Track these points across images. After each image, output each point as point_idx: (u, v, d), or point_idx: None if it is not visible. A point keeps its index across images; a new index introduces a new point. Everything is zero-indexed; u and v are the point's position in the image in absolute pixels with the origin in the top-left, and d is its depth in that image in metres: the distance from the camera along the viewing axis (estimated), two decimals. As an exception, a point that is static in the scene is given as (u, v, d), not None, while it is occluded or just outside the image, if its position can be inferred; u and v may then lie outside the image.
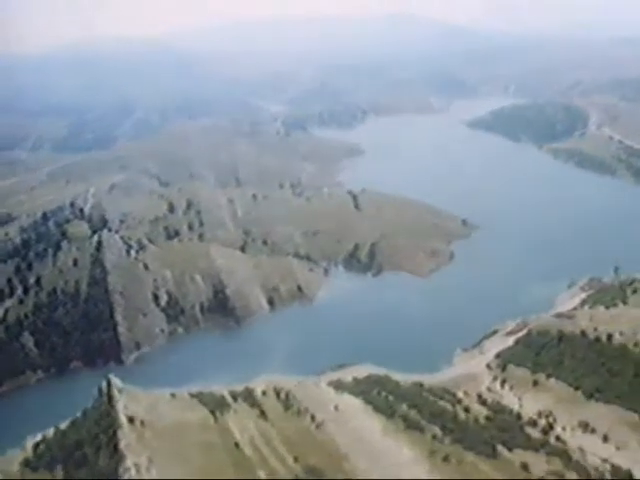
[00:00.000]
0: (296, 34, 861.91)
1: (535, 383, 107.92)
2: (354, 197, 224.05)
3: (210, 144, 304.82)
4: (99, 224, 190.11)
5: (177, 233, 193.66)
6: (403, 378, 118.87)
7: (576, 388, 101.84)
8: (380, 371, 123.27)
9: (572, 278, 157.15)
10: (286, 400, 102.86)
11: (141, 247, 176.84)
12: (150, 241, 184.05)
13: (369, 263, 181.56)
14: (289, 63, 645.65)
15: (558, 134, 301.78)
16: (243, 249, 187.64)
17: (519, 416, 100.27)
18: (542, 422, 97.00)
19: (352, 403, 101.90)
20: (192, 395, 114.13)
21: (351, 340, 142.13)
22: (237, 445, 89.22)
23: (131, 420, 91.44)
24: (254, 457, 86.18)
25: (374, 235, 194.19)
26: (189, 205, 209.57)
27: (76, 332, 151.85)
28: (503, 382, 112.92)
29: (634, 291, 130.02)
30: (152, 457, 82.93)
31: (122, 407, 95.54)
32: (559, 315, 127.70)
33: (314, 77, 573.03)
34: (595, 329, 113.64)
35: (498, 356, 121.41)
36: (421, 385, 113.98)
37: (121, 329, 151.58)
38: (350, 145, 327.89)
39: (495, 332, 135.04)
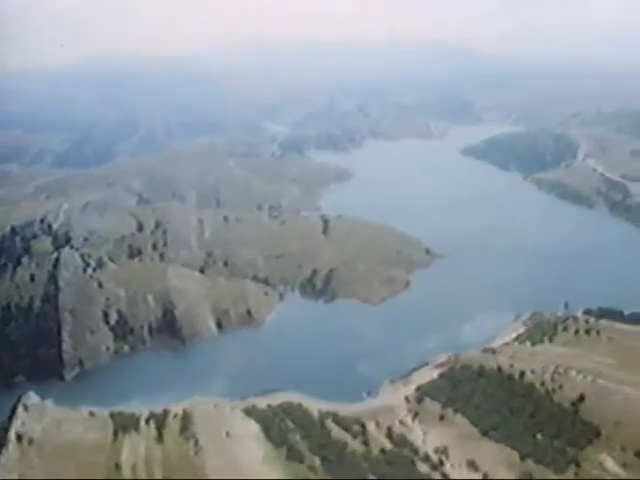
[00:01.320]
0: (314, 56, 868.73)
1: (441, 418, 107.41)
2: (325, 222, 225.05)
3: (199, 164, 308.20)
4: (63, 241, 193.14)
5: (140, 252, 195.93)
6: (320, 407, 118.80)
7: (476, 425, 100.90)
8: (301, 399, 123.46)
9: (518, 311, 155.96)
10: (185, 423, 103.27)
11: (99, 265, 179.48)
12: (111, 259, 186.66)
13: (324, 289, 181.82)
14: (302, 84, 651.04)
15: (547, 164, 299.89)
16: (202, 270, 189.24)
17: (416, 451, 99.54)
18: (435, 458, 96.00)
19: (249, 430, 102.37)
20: (111, 414, 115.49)
21: (287, 366, 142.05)
22: (117, 466, 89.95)
23: (19, 438, 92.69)
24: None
25: (335, 261, 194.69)
26: (157, 224, 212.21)
27: (24, 347, 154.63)
28: (415, 415, 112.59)
29: (564, 328, 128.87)
30: (23, 475, 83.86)
31: (18, 424, 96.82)
32: (486, 350, 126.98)
33: (323, 99, 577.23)
34: (511, 366, 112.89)
35: (418, 389, 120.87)
36: (334, 415, 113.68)
37: (65, 346, 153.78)
38: (340, 169, 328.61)
39: (426, 364, 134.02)
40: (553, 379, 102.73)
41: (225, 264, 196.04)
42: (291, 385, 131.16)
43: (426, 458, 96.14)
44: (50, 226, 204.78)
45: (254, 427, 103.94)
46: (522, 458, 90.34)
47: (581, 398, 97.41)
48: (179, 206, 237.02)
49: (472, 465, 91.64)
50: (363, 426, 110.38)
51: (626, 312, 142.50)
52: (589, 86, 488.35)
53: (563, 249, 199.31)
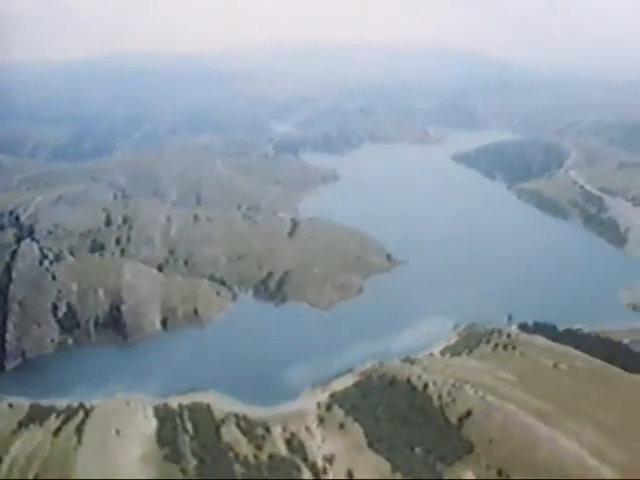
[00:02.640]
0: (325, 58, 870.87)
1: (341, 426, 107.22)
2: (295, 224, 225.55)
3: (186, 163, 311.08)
4: (27, 233, 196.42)
5: (102, 247, 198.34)
6: (234, 409, 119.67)
7: (367, 435, 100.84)
8: (219, 399, 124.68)
9: (463, 320, 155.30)
10: (84, 419, 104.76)
11: (57, 258, 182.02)
12: (71, 253, 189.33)
13: (276, 291, 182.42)
14: (312, 86, 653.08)
15: (533, 174, 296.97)
16: (161, 268, 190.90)
17: (306, 458, 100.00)
18: (321, 466, 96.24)
19: (144, 429, 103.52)
20: (32, 406, 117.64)
21: (220, 366, 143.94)
22: None
23: None
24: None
25: (293, 264, 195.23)
26: (125, 220, 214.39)
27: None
28: (320, 422, 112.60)
29: (487, 341, 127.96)
30: None
31: None
32: (406, 360, 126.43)
33: (330, 101, 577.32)
34: (419, 377, 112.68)
35: (332, 396, 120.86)
36: (242, 417, 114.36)
37: (9, 336, 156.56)
38: (328, 171, 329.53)
39: (350, 371, 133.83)
40: (449, 393, 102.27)
41: (186, 262, 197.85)
42: (218, 385, 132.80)
43: (312, 466, 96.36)
44: (18, 218, 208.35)
45: (151, 426, 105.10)
46: (393, 470, 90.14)
47: (468, 413, 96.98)
48: (152, 203, 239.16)
49: (349, 475, 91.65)
50: (267, 430, 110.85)
51: (562, 327, 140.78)
52: (594, 96, 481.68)
53: (526, 260, 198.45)
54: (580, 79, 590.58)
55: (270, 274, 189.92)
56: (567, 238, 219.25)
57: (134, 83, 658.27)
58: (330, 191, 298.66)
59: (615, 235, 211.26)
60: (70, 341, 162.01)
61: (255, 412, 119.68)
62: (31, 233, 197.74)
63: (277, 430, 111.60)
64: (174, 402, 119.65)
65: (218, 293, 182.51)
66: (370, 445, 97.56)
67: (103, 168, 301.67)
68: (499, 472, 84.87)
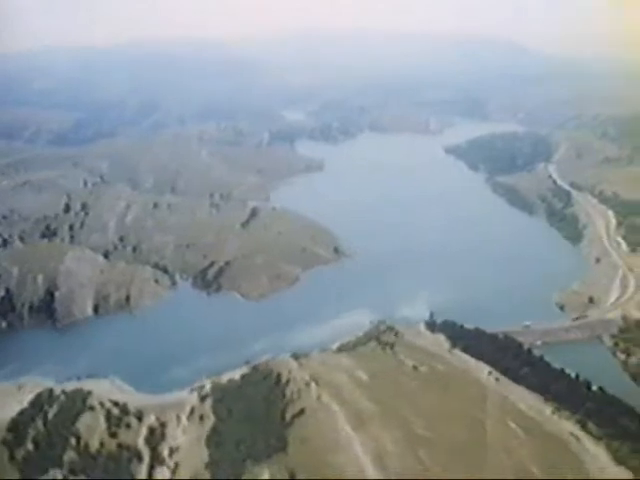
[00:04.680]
0: (347, 47, 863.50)
1: (201, 418, 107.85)
2: (253, 214, 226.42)
3: (171, 151, 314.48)
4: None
5: (54, 233, 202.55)
6: (118, 397, 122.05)
7: (212, 429, 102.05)
8: (112, 387, 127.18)
9: (385, 315, 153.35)
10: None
11: (4, 244, 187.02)
12: (21, 239, 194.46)
13: (213, 281, 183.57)
14: (329, 76, 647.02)
15: (515, 167, 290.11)
16: (107, 254, 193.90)
17: (155, 449, 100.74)
18: (162, 458, 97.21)
19: (4, 414, 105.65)
20: None
21: (131, 353, 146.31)
22: None
23: None
24: None
25: (237, 253, 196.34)
26: (84, 207, 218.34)
27: None
28: (191, 413, 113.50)
29: (377, 339, 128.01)
30: None
31: None
32: (293, 355, 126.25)
33: (344, 91, 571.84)
34: (289, 373, 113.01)
35: (214, 387, 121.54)
36: (120, 406, 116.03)
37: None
38: (314, 161, 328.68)
39: (247, 363, 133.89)
40: (299, 391, 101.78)
41: (134, 249, 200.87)
42: (122, 371, 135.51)
43: (157, 457, 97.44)
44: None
45: (14, 411, 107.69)
46: (206, 467, 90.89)
47: (301, 412, 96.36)
48: (115, 190, 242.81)
49: (175, 468, 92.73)
50: (140, 419, 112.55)
51: (471, 326, 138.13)
52: (609, 88, 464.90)
53: (476, 256, 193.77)
54: (602, 71, 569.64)
55: (212, 263, 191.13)
56: (525, 234, 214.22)
57: (150, 71, 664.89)
58: (309, 180, 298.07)
59: (573, 232, 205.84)
60: (4, 325, 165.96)
61: (139, 400, 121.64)
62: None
63: (149, 419, 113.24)
64: (68, 387, 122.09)
65: (156, 281, 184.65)
66: (207, 439, 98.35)
67: (87, 154, 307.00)
68: (291, 474, 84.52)
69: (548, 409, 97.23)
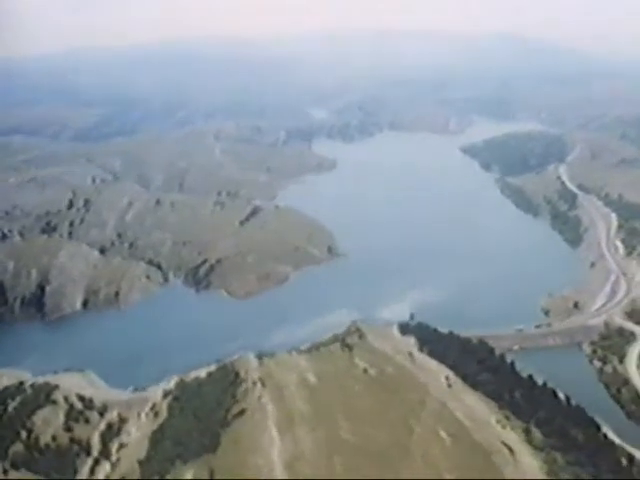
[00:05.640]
0: (379, 46, 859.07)
1: (155, 415, 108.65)
2: (252, 212, 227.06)
3: (183, 149, 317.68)
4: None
5: (54, 229, 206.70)
6: (86, 391, 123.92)
7: (160, 427, 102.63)
8: (80, 380, 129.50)
9: (367, 315, 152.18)
10: None
11: (3, 238, 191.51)
12: (20, 234, 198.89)
13: (203, 278, 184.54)
14: (359, 74, 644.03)
15: (529, 167, 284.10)
16: (103, 250, 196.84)
17: (106, 444, 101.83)
18: (108, 454, 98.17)
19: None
20: None
21: (112, 347, 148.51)
22: None
23: None
24: None
25: (230, 252, 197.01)
26: (86, 203, 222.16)
27: None
28: (152, 409, 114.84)
29: (342, 340, 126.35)
30: None
31: None
32: (258, 355, 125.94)
33: (370, 89, 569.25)
34: (247, 370, 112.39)
35: (178, 385, 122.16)
36: (87, 400, 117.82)
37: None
38: (327, 160, 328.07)
39: (218, 361, 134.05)
40: (246, 391, 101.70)
41: (130, 246, 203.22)
42: (99, 366, 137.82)
43: (105, 454, 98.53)
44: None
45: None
46: (141, 465, 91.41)
47: (241, 413, 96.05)
48: (120, 187, 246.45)
49: (113, 467, 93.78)
50: (102, 414, 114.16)
51: (445, 330, 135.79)
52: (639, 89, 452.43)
53: (473, 259, 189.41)
54: (636, 72, 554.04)
55: (205, 261, 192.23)
56: (525, 237, 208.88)
57: (180, 69, 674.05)
58: (319, 179, 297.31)
59: (574, 235, 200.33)
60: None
61: (107, 395, 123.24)
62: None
63: (111, 415, 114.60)
64: (40, 380, 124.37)
65: (148, 277, 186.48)
66: (152, 436, 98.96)
67: (102, 151, 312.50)
68: (211, 474, 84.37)
69: (494, 417, 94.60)
